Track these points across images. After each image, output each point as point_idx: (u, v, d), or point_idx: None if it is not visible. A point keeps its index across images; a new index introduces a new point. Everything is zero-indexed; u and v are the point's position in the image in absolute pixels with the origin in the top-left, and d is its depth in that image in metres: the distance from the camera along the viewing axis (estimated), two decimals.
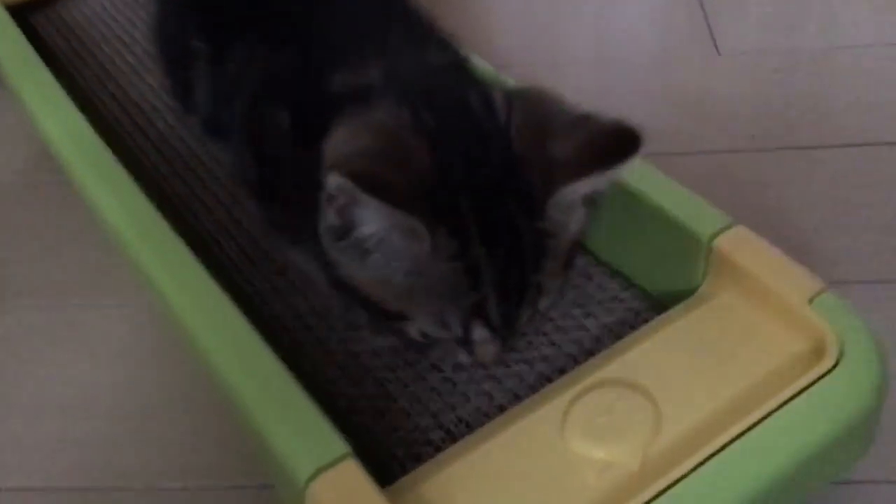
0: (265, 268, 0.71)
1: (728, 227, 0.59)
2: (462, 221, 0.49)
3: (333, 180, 0.47)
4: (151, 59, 0.89)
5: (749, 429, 0.50)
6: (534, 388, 0.59)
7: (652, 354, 0.56)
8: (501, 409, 0.59)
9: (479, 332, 0.53)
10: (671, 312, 0.58)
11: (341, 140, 0.51)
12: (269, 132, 0.60)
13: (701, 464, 0.49)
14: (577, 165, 0.50)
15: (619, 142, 0.50)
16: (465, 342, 0.54)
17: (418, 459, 0.56)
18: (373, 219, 0.48)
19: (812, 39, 1.03)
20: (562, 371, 0.60)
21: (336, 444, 0.49)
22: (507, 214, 0.50)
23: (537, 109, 0.53)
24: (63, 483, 0.64)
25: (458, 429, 0.58)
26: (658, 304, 0.63)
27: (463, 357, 0.56)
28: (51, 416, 0.69)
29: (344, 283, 0.54)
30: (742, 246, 0.58)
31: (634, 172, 0.62)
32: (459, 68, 0.60)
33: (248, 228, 0.74)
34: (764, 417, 0.51)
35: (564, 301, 0.65)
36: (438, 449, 0.56)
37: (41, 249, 0.84)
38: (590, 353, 0.61)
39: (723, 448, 0.49)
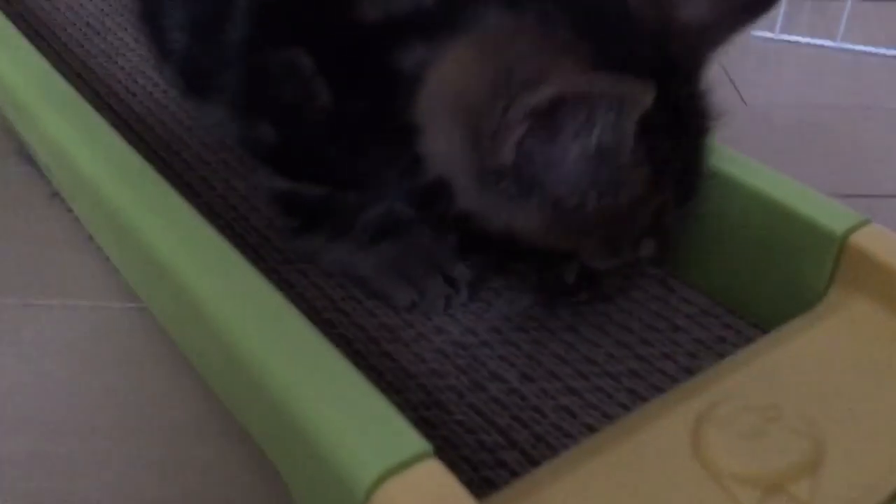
0: (269, 257, 0.57)
1: (864, 223, 0.49)
2: (649, 116, 0.39)
3: (546, 94, 0.37)
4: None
5: None
6: (625, 407, 0.47)
7: (790, 370, 0.44)
8: (589, 428, 0.46)
9: (647, 248, 0.43)
10: (796, 324, 0.47)
11: (468, 62, 0.40)
12: (285, 81, 0.48)
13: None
14: (716, 25, 0.42)
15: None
16: (626, 266, 0.44)
17: (491, 484, 0.42)
18: (600, 127, 0.39)
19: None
20: (657, 388, 0.48)
21: (410, 438, 0.35)
22: (675, 99, 0.41)
23: None
24: None
25: (538, 450, 0.45)
26: (760, 320, 0.52)
27: (583, 297, 0.46)
28: None
29: (483, 239, 0.43)
30: (883, 244, 0.48)
31: (730, 162, 0.53)
32: None
33: (244, 213, 0.61)
34: None
35: (645, 312, 0.54)
36: (514, 473, 0.43)
37: None
38: (687, 371, 0.49)
39: None
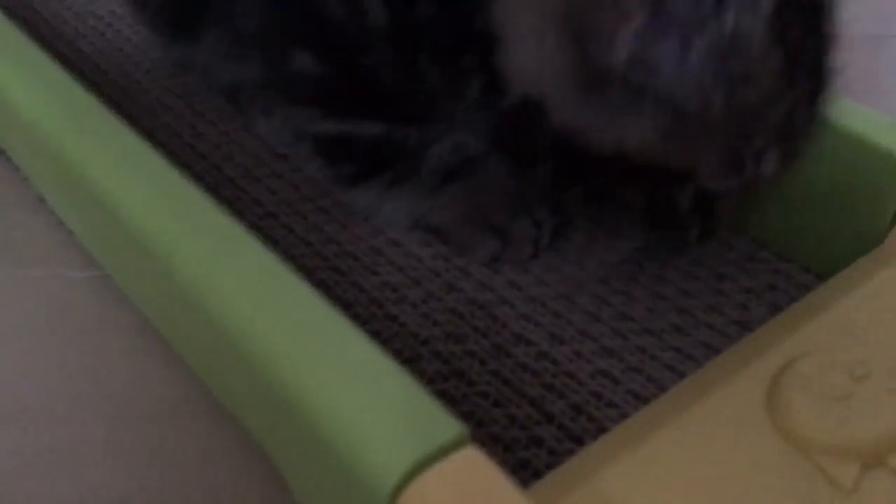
0: (248, 211, 0.50)
1: None
2: None
3: None
4: None
5: None
6: (673, 369, 0.41)
7: (870, 320, 0.37)
8: (634, 395, 0.39)
9: (769, 161, 0.36)
10: (862, 265, 0.41)
11: None
12: None
13: None
14: None
15: None
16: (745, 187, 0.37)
17: (527, 467, 0.36)
18: (734, 9, 0.32)
19: None
20: (706, 346, 0.42)
21: (445, 422, 0.28)
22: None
23: None
24: None
25: (578, 423, 0.38)
26: (813, 264, 0.46)
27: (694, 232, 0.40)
28: None
29: (583, 164, 0.37)
30: None
31: None
32: None
33: (216, 162, 0.53)
34: None
35: (682, 259, 0.47)
36: (553, 452, 0.37)
37: None
38: (738, 324, 0.43)
39: None
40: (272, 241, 0.48)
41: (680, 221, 0.39)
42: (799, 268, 0.46)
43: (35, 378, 0.47)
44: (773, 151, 0.36)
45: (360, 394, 0.29)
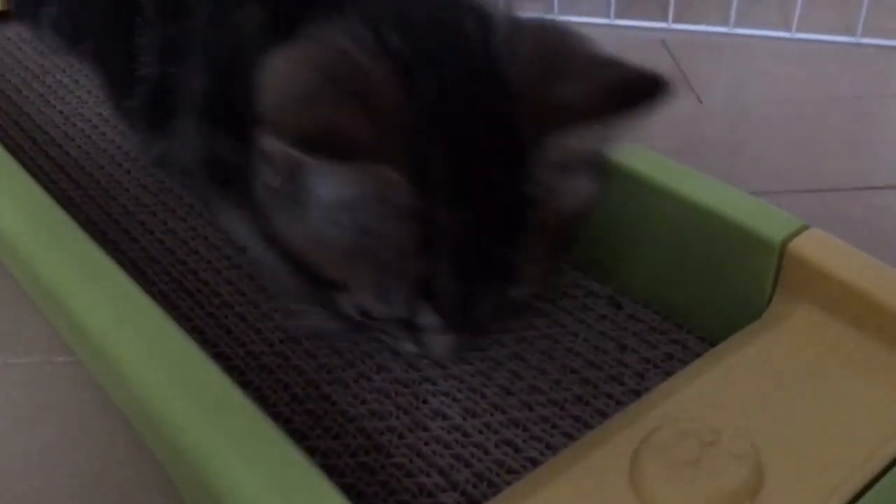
0: (207, 301, 0.56)
1: (803, 229, 0.47)
2: (429, 173, 0.38)
3: (271, 145, 0.36)
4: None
5: (879, 476, 0.38)
6: (569, 436, 0.46)
7: (730, 388, 0.43)
8: (532, 462, 0.44)
9: (427, 318, 0.41)
10: (739, 337, 0.46)
11: (280, 77, 0.38)
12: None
13: None
14: (577, 110, 0.38)
15: (638, 88, 0.39)
16: (412, 327, 0.43)
17: None
18: (327, 183, 0.38)
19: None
20: (602, 414, 0.47)
21: (330, 499, 0.34)
22: (484, 169, 0.39)
23: (553, 44, 0.42)
24: None
25: (479, 489, 0.43)
26: (708, 334, 0.51)
27: (409, 347, 0.45)
28: None
29: (274, 241, 0.43)
30: (823, 250, 0.47)
31: (669, 172, 0.52)
32: None
33: (182, 257, 0.60)
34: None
35: (592, 333, 0.52)
36: None
37: None
38: (635, 393, 0.48)
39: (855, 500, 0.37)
40: (226, 329, 0.53)
41: (355, 324, 0.43)
42: (696, 338, 0.51)
43: (12, 461, 0.52)
44: (427, 309, 0.41)
45: (261, 475, 0.34)
